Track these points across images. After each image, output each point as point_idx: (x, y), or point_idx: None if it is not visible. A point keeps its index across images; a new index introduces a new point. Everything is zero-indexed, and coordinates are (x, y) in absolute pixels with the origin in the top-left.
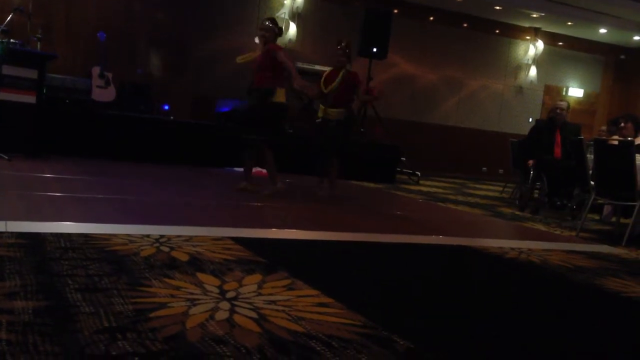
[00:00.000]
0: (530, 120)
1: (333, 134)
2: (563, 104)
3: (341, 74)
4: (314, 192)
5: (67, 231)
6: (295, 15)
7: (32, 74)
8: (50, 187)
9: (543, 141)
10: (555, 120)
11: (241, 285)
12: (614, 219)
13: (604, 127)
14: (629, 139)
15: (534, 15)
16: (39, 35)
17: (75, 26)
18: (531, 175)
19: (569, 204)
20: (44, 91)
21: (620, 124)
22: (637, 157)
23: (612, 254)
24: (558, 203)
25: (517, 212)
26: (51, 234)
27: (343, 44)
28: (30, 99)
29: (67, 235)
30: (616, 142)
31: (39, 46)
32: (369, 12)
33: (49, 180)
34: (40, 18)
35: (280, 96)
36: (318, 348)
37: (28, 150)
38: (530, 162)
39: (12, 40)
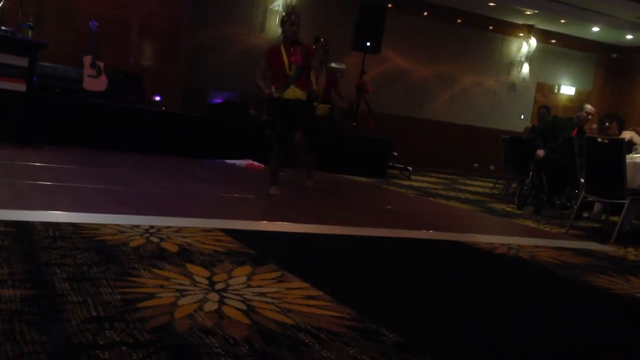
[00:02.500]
0: (522, 117)
1: (320, 127)
2: (592, 109)
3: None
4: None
5: (56, 220)
6: (289, 8)
7: (23, 62)
8: (39, 175)
9: (558, 137)
10: (579, 121)
11: (230, 277)
12: (603, 217)
13: (594, 126)
14: (618, 137)
15: (528, 13)
16: (31, 23)
17: (67, 14)
18: (531, 174)
19: (569, 203)
20: (35, 79)
21: (605, 123)
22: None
23: (600, 251)
24: (557, 202)
25: (508, 209)
26: (40, 222)
27: (322, 41)
28: (21, 87)
29: (56, 224)
30: (607, 141)
31: (30, 34)
32: (364, 5)
33: (38, 169)
34: (31, 6)
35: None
36: (307, 340)
37: (18, 138)
38: (541, 152)
39: (3, 28)
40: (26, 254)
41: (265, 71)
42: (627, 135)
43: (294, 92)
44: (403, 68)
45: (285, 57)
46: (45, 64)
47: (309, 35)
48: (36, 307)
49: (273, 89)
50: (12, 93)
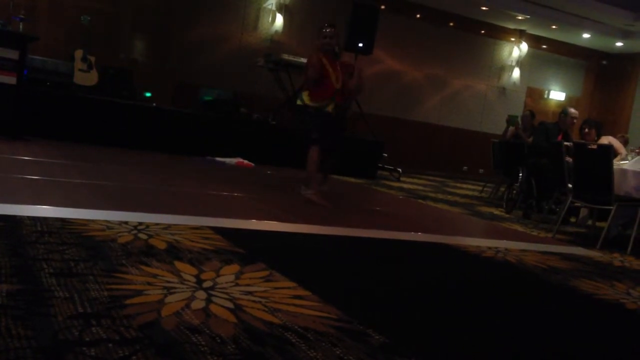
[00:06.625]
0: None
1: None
2: (576, 113)
3: None
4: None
5: (44, 215)
6: (282, 7)
7: (13, 54)
8: (28, 170)
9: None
10: (564, 125)
11: (218, 275)
12: (589, 222)
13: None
14: (607, 143)
15: (520, 18)
16: (22, 16)
17: (58, 8)
18: (520, 178)
19: (558, 209)
20: (25, 73)
21: (585, 129)
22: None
23: (586, 257)
24: (546, 207)
25: (496, 212)
26: (28, 217)
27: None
28: (11, 80)
29: (44, 219)
30: (595, 147)
31: (21, 27)
32: (357, 6)
33: (27, 163)
34: None
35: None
36: (293, 340)
37: (7, 132)
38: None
39: None
40: (13, 248)
41: (315, 77)
42: (605, 141)
43: (330, 106)
44: (395, 70)
45: (330, 68)
46: (36, 57)
47: (301, 34)
48: (22, 302)
49: (308, 99)
50: (2, 86)
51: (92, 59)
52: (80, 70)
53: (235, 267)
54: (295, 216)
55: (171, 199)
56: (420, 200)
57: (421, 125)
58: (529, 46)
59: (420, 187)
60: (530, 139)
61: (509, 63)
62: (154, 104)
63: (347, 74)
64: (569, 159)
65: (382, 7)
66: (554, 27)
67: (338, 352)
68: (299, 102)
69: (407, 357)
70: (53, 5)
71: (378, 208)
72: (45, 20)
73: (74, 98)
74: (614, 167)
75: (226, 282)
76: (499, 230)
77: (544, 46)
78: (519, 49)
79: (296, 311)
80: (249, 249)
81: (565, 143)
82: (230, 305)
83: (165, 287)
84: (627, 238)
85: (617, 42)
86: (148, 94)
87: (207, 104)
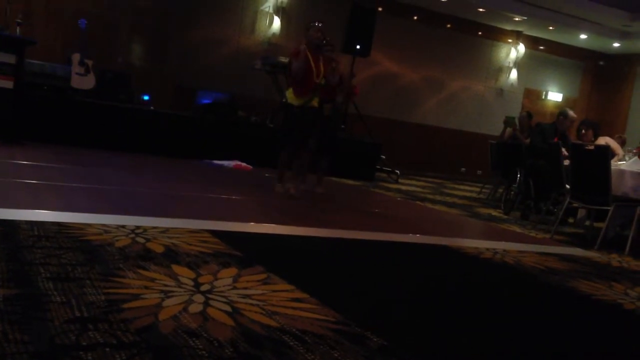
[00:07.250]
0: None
1: (329, 129)
2: (575, 116)
3: None
4: (313, 191)
5: (41, 219)
6: (280, 10)
7: (11, 58)
8: (25, 174)
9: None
10: (562, 126)
11: (216, 279)
12: (587, 223)
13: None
14: (604, 144)
15: (517, 19)
16: (19, 20)
17: (56, 12)
18: (518, 179)
19: (556, 209)
20: (23, 77)
21: (582, 131)
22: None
23: (584, 257)
24: (544, 208)
25: (494, 213)
26: (25, 221)
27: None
28: (8, 84)
29: (41, 224)
30: (592, 147)
31: (18, 31)
32: (355, 8)
33: (24, 167)
34: (20, 3)
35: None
36: (291, 343)
37: (4, 136)
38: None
39: None
40: (10, 252)
41: (296, 73)
42: (602, 142)
43: (314, 100)
44: (392, 72)
45: (312, 63)
46: (33, 61)
47: (299, 37)
48: (19, 307)
49: (293, 96)
50: (0, 90)
51: (90, 62)
52: (77, 74)
53: (232, 270)
54: (293, 219)
55: (169, 203)
56: (418, 202)
57: (419, 127)
58: (526, 47)
59: (418, 189)
60: (528, 140)
61: (507, 64)
62: (152, 108)
63: (330, 68)
64: (566, 162)
65: (380, 9)
66: (551, 28)
67: (336, 355)
68: (284, 100)
69: (406, 359)
70: (50, 9)
71: (376, 210)
72: (43, 24)
73: (72, 102)
74: (612, 167)
75: (224, 286)
76: (497, 231)
77: (541, 47)
78: (516, 50)
79: (294, 314)
80: (246, 252)
81: (563, 149)
82: (228, 308)
83: (162, 291)
84: (625, 238)
85: (614, 42)
86: (146, 97)
87: (205, 107)
